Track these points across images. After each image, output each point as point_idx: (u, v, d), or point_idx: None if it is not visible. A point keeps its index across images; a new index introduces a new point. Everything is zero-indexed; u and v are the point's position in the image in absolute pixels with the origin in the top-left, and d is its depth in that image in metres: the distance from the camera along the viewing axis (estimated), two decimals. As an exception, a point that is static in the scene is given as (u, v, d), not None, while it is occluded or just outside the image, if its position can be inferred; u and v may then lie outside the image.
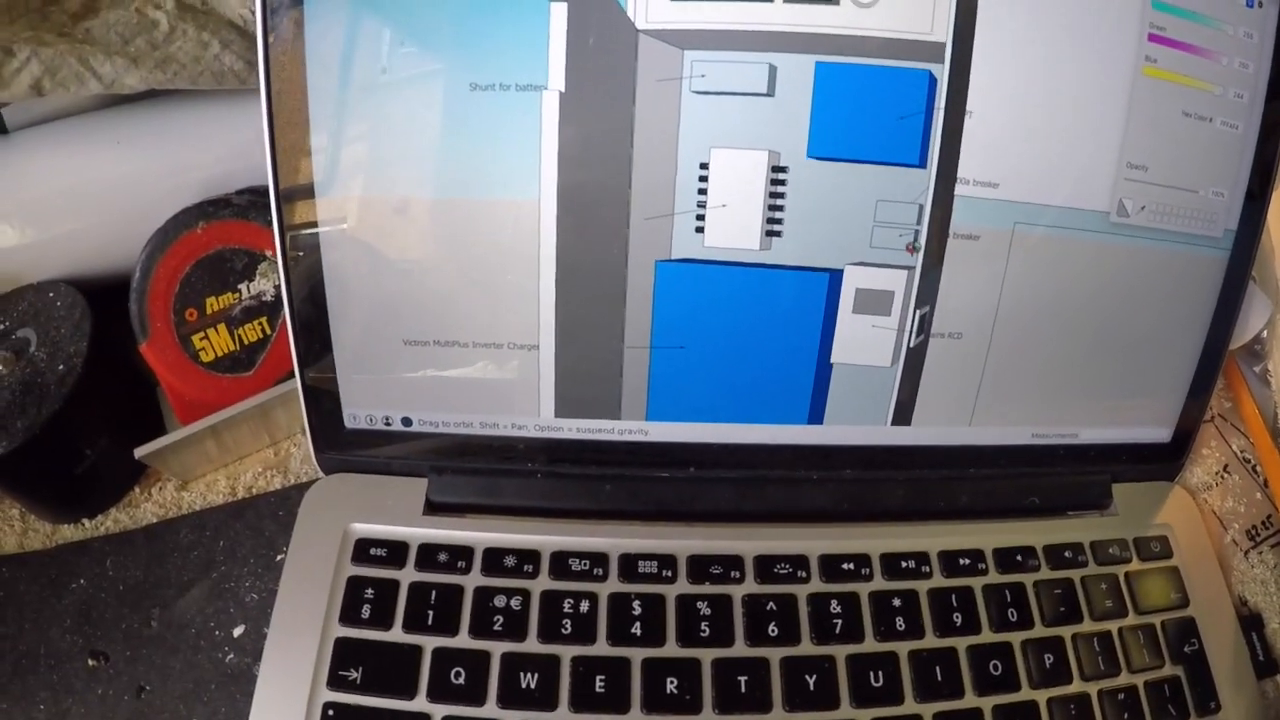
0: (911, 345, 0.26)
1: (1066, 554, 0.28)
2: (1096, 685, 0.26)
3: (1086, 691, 0.26)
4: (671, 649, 0.25)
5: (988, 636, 0.27)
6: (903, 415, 0.28)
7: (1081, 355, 0.28)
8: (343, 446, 0.28)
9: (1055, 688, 0.26)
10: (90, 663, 0.28)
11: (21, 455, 0.27)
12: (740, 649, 0.25)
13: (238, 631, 0.28)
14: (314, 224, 0.25)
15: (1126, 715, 0.26)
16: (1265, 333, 0.33)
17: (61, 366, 0.28)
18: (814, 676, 0.25)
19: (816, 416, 0.27)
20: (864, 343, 0.26)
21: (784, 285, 0.26)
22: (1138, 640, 0.27)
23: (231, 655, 0.28)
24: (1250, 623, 0.30)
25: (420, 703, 0.25)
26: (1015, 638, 0.27)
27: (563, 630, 0.25)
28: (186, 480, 0.31)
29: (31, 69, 0.26)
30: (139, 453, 0.27)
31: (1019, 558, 0.28)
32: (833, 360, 0.27)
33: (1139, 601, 0.28)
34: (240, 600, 0.28)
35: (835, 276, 0.26)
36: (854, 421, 0.27)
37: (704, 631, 0.26)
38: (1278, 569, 0.31)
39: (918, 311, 0.26)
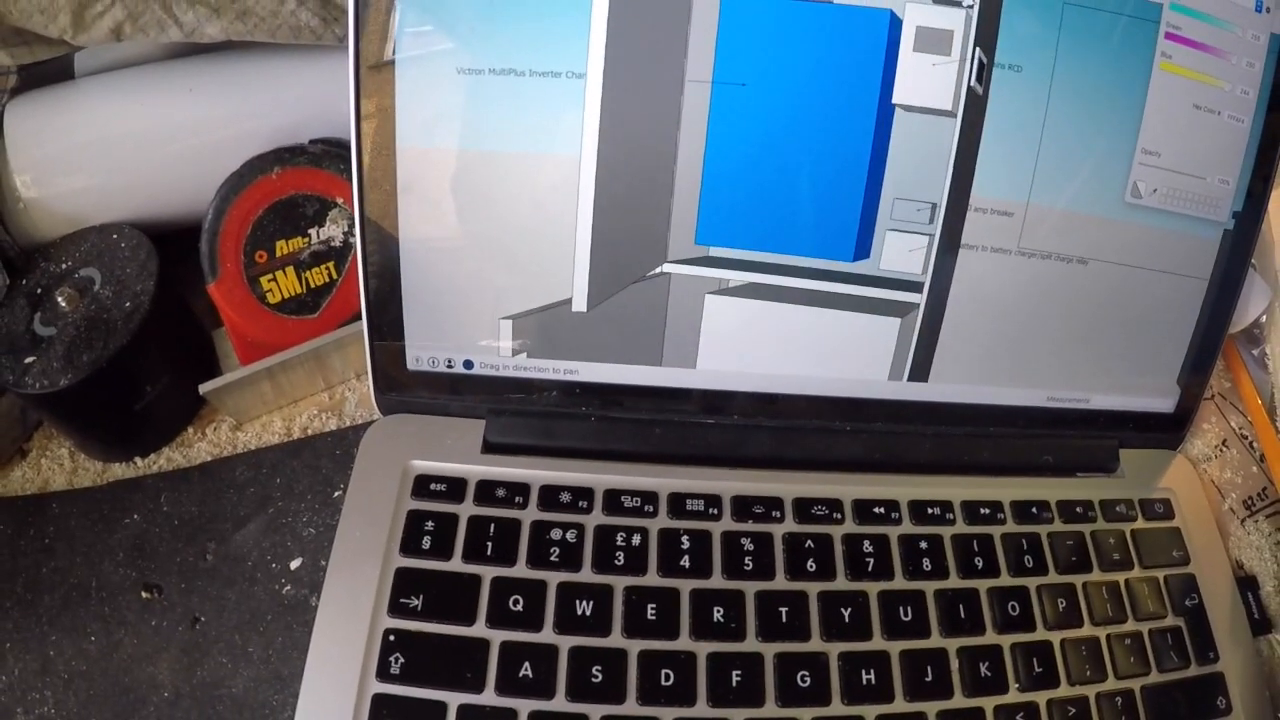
0: (971, 84, 0.28)
1: (1077, 509, 0.33)
2: (1105, 630, 0.31)
3: (1096, 635, 0.31)
4: (718, 581, 0.29)
5: (1006, 580, 0.31)
6: (943, 277, 0.30)
7: (1093, 323, 0.33)
8: (403, 388, 0.31)
9: (1068, 630, 0.30)
10: (143, 595, 0.31)
11: (86, 388, 0.30)
12: (781, 582, 0.29)
13: (295, 564, 0.31)
14: (392, 173, 0.28)
15: (1132, 659, 0.30)
16: (1264, 318, 0.38)
17: (128, 304, 0.31)
18: (848, 609, 0.29)
19: (867, 226, 0.29)
20: (925, 84, 0.28)
21: (845, 22, 0.27)
22: (1142, 591, 0.32)
23: (289, 587, 0.31)
24: (1246, 584, 0.34)
25: (479, 628, 0.28)
26: (1031, 582, 0.31)
27: (616, 562, 0.29)
28: (241, 421, 0.34)
29: (114, 14, 0.30)
30: (204, 388, 0.31)
31: (1034, 510, 0.32)
32: (894, 100, 0.28)
33: (1143, 556, 0.33)
34: (297, 534, 0.32)
35: (895, 16, 0.28)
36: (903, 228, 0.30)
37: (747, 566, 0.29)
38: (1272, 536, 0.35)
39: (977, 50, 0.28)
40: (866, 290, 0.30)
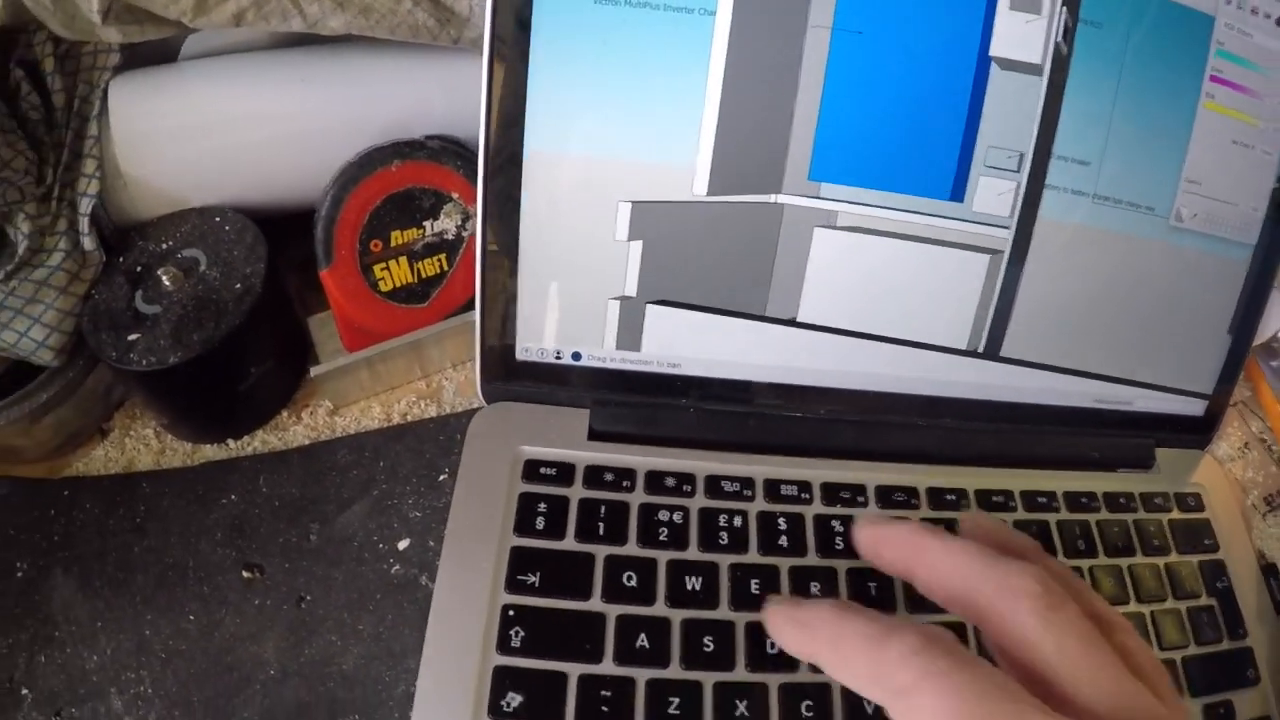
0: (1058, 40, 0.34)
1: (1121, 500, 0.38)
2: (1150, 606, 0.36)
3: (1142, 611, 0.36)
4: (812, 559, 0.33)
5: (1064, 560, 0.36)
6: (1028, 221, 0.35)
7: (1137, 329, 0.38)
8: (510, 377, 0.35)
9: (1119, 605, 0.36)
10: (244, 575, 0.34)
11: (195, 367, 0.33)
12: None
13: (403, 545, 0.34)
14: (517, 168, 0.32)
15: (1174, 633, 0.36)
16: None
17: (239, 285, 0.34)
18: (931, 587, 0.34)
19: (964, 169, 0.34)
20: (1019, 40, 0.33)
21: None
22: (1179, 574, 0.37)
23: (397, 567, 0.34)
24: (1269, 570, 0.40)
25: (595, 603, 0.32)
26: (1085, 564, 0.36)
27: (720, 541, 0.33)
28: (338, 406, 0.36)
29: (239, 0, 0.32)
30: (314, 370, 0.34)
31: (1084, 500, 0.38)
32: (991, 54, 0.33)
33: (1179, 543, 0.38)
34: (404, 516, 0.35)
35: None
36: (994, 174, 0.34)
37: (838, 545, 0.34)
38: (1287, 531, 0.42)
39: (1064, 10, 0.34)
40: (960, 226, 0.35)
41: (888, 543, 0.26)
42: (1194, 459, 0.41)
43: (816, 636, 0.23)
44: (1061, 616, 0.22)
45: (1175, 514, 0.39)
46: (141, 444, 0.36)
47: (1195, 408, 0.41)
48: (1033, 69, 0.34)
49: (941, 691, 0.20)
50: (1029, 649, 0.22)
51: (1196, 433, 0.41)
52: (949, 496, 0.36)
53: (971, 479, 0.37)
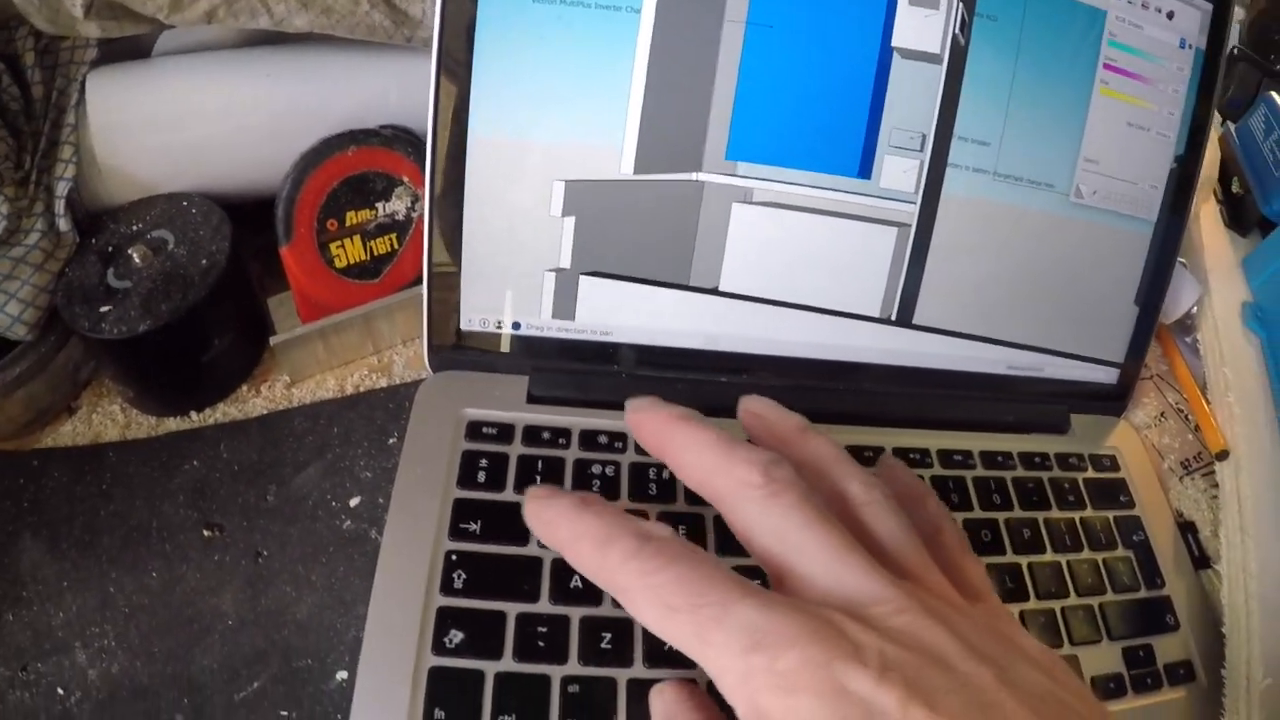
0: (955, 33, 0.37)
1: (1036, 459, 0.41)
2: (1065, 556, 0.39)
3: (1058, 560, 0.39)
4: (739, 510, 0.36)
5: (978, 513, 0.39)
6: (932, 197, 0.38)
7: (1045, 300, 0.42)
8: (455, 346, 0.38)
9: (1033, 555, 0.38)
10: (205, 533, 0.37)
11: (162, 335, 0.36)
12: (793, 512, 0.37)
13: (354, 502, 0.37)
14: (462, 153, 0.36)
15: (1090, 580, 0.39)
16: (1195, 310, 0.48)
17: (204, 261, 0.37)
18: (851, 535, 0.37)
19: (870, 149, 0.38)
20: (919, 32, 0.37)
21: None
22: (1094, 527, 0.40)
23: (349, 522, 0.37)
24: (1186, 528, 0.43)
25: (533, 548, 0.34)
26: (1000, 516, 0.39)
27: (649, 492, 0.36)
28: (295, 380, 0.40)
29: (212, -1, 0.36)
30: (274, 340, 0.37)
31: (999, 459, 0.41)
32: (893, 45, 0.37)
33: (1094, 500, 0.41)
34: (355, 476, 0.37)
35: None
36: (899, 153, 0.38)
37: (764, 498, 0.37)
38: (1207, 491, 0.44)
39: (960, 6, 0.37)
40: (868, 201, 0.38)
41: (643, 427, 0.26)
42: (1109, 425, 0.45)
43: (556, 534, 0.24)
44: (779, 503, 0.23)
45: (1090, 473, 0.42)
46: (108, 419, 0.39)
47: (1108, 376, 0.44)
48: (932, 58, 0.38)
49: (650, 589, 0.21)
50: (753, 537, 0.23)
51: (1110, 400, 0.45)
52: (867, 454, 0.39)
53: (890, 438, 0.40)
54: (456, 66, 0.35)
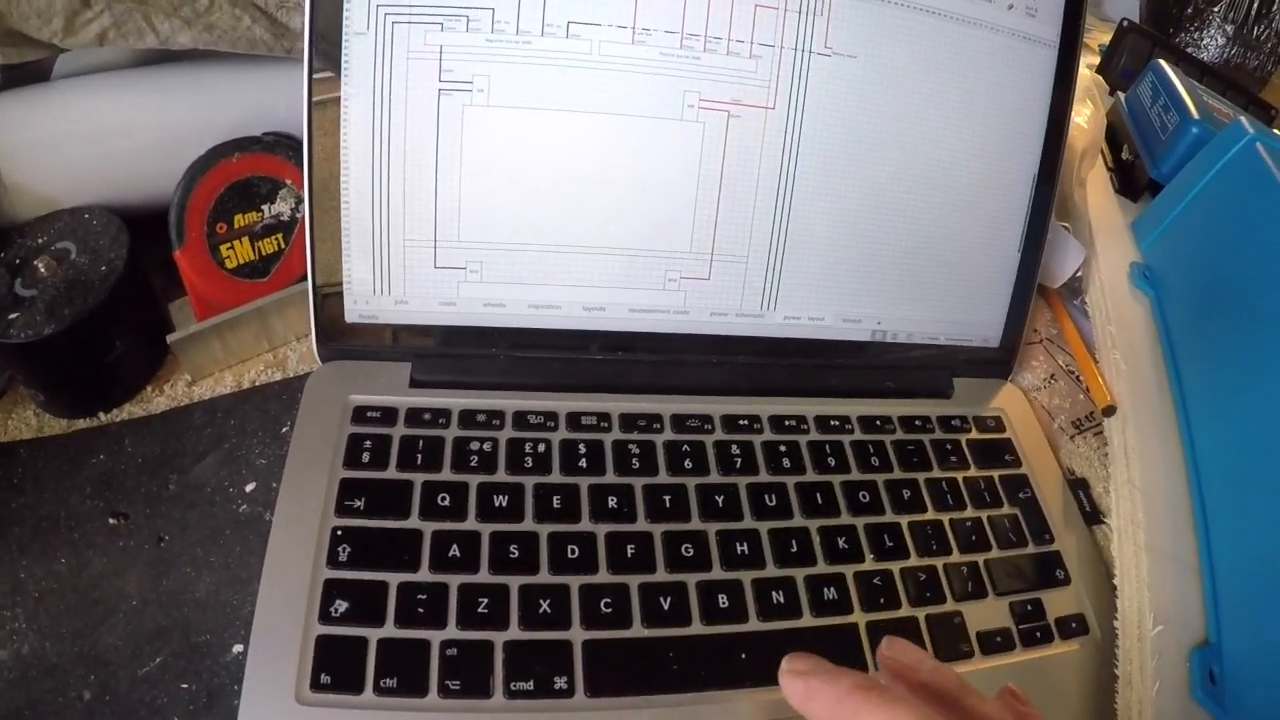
0: None
1: (916, 422, 0.46)
2: (947, 515, 0.43)
3: (939, 519, 0.43)
4: (610, 477, 0.41)
5: (856, 475, 0.43)
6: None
7: (920, 263, 0.46)
8: (341, 337, 0.43)
9: (913, 514, 0.43)
10: (111, 521, 0.41)
11: (66, 337, 0.41)
12: (664, 478, 0.41)
13: (249, 487, 0.42)
14: (336, 154, 0.41)
15: (974, 537, 0.43)
16: (1080, 273, 0.52)
17: (103, 268, 0.42)
18: (721, 498, 0.41)
19: None
20: None
21: None
22: (978, 486, 0.45)
23: (245, 506, 0.41)
24: (1078, 484, 0.47)
25: (414, 521, 0.39)
26: (879, 477, 0.43)
27: (525, 465, 0.41)
28: (196, 378, 0.45)
29: (102, 21, 0.41)
30: (171, 338, 0.42)
31: (877, 422, 0.45)
32: None
33: (977, 460, 0.45)
34: (251, 464, 0.42)
35: None
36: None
37: (635, 465, 0.41)
38: (1098, 449, 0.49)
39: None
40: None
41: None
42: (994, 387, 0.49)
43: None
44: None
45: (974, 434, 0.47)
46: (22, 424, 0.44)
47: (990, 339, 0.49)
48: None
49: None
50: None
51: (994, 363, 0.49)
52: (742, 422, 0.44)
53: (765, 407, 0.45)
54: (327, 75, 0.40)
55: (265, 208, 0.45)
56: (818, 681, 0.28)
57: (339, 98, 0.40)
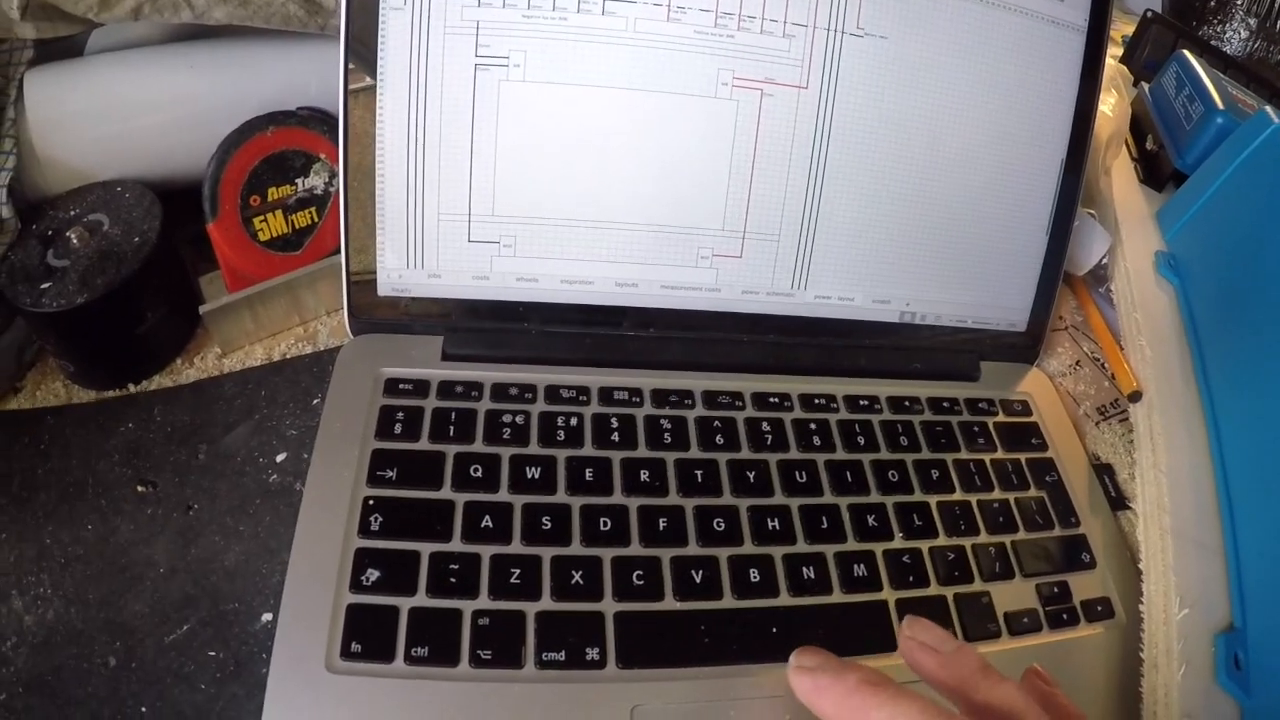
0: None
1: (944, 404, 0.46)
2: (975, 496, 0.43)
3: (967, 500, 0.43)
4: (643, 451, 0.41)
5: (885, 455, 0.43)
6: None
7: (949, 232, 0.46)
8: (373, 310, 0.43)
9: (941, 494, 0.43)
10: (139, 489, 0.41)
11: (98, 307, 0.41)
12: (695, 453, 0.41)
13: (280, 458, 0.42)
14: (371, 128, 0.41)
15: (1001, 519, 0.43)
16: (1106, 260, 0.53)
17: (137, 239, 0.42)
18: (752, 473, 0.41)
19: None
20: None
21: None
22: (1006, 469, 0.45)
23: (275, 476, 0.41)
24: (1103, 469, 0.47)
25: (446, 492, 0.39)
26: (908, 457, 0.44)
27: (557, 438, 0.41)
28: (226, 351, 0.45)
29: (137, -5, 0.42)
30: (203, 309, 0.42)
31: (906, 403, 0.45)
32: None
33: (1005, 442, 0.46)
34: (281, 434, 0.42)
35: None
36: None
37: (666, 440, 0.41)
38: (1124, 436, 0.49)
39: None
40: None
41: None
42: (1021, 371, 0.49)
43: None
44: None
45: (1001, 417, 0.47)
46: (51, 395, 0.44)
47: (1017, 324, 0.49)
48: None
49: None
50: None
51: (1021, 348, 0.49)
52: (772, 399, 0.44)
53: (795, 385, 0.45)
54: (363, 50, 0.41)
55: (299, 181, 0.45)
56: (826, 678, 0.28)
57: (375, 72, 0.41)
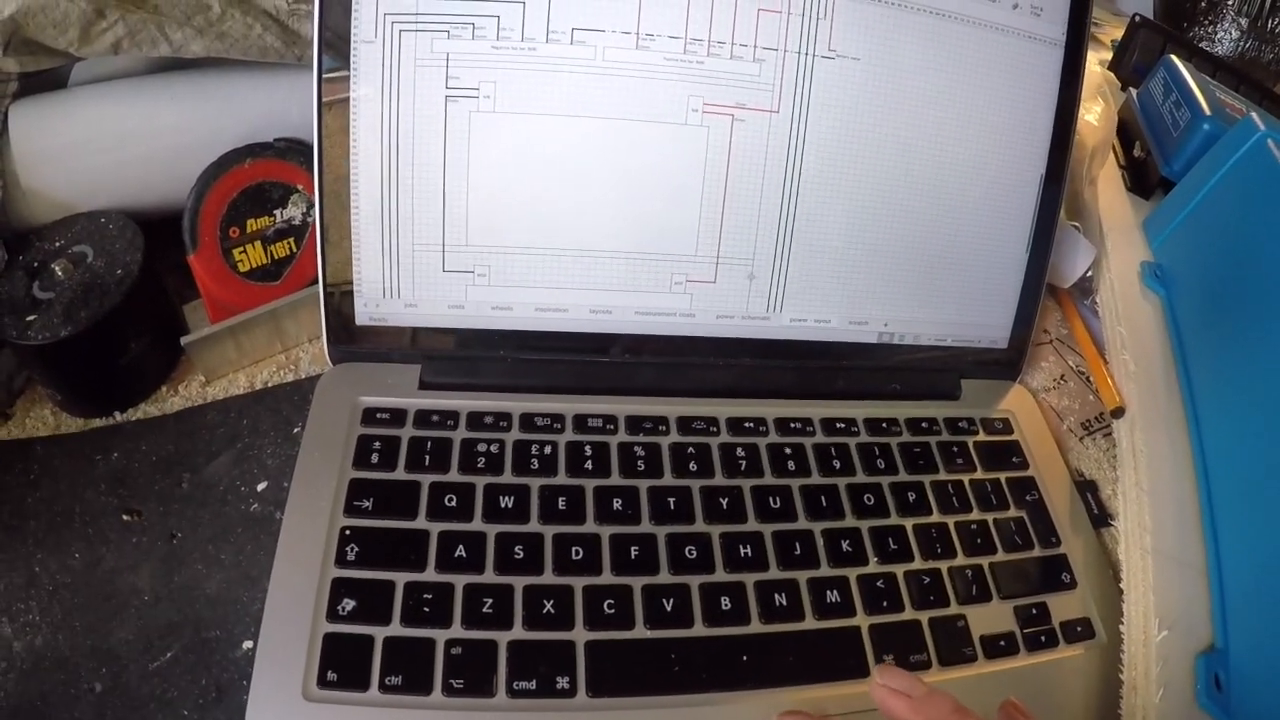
0: None
1: (923, 425, 0.46)
2: (952, 518, 0.43)
3: (944, 522, 0.43)
4: (616, 479, 0.41)
5: (861, 478, 0.44)
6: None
7: (927, 265, 0.46)
8: (352, 340, 0.44)
9: (918, 517, 0.43)
10: (124, 518, 0.42)
11: (83, 339, 0.42)
12: (669, 480, 0.42)
13: (261, 487, 0.43)
14: (346, 161, 0.41)
15: (979, 540, 0.43)
16: (1091, 273, 0.52)
17: (119, 271, 0.43)
18: (726, 500, 0.41)
19: None
20: None
21: None
22: (985, 489, 0.45)
23: (256, 505, 0.42)
24: (1086, 486, 0.47)
25: (421, 522, 0.40)
26: (884, 480, 0.44)
27: (531, 466, 0.41)
28: (209, 379, 0.46)
29: (116, 30, 0.42)
30: (185, 340, 0.43)
31: (884, 425, 0.46)
32: None
33: (985, 462, 0.46)
34: (262, 463, 0.43)
35: None
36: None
37: (640, 467, 0.42)
38: (1108, 451, 0.49)
39: None
40: None
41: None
42: (1002, 389, 0.49)
43: None
44: None
45: (981, 436, 0.47)
46: (39, 422, 0.45)
47: (998, 341, 0.49)
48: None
49: None
50: None
51: (1003, 364, 0.49)
52: (747, 424, 0.44)
53: (770, 409, 0.45)
54: (336, 83, 0.41)
55: (277, 212, 0.46)
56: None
57: (348, 104, 0.41)
